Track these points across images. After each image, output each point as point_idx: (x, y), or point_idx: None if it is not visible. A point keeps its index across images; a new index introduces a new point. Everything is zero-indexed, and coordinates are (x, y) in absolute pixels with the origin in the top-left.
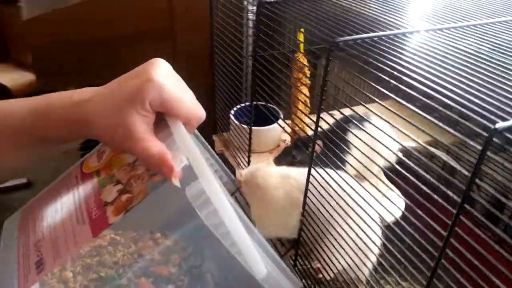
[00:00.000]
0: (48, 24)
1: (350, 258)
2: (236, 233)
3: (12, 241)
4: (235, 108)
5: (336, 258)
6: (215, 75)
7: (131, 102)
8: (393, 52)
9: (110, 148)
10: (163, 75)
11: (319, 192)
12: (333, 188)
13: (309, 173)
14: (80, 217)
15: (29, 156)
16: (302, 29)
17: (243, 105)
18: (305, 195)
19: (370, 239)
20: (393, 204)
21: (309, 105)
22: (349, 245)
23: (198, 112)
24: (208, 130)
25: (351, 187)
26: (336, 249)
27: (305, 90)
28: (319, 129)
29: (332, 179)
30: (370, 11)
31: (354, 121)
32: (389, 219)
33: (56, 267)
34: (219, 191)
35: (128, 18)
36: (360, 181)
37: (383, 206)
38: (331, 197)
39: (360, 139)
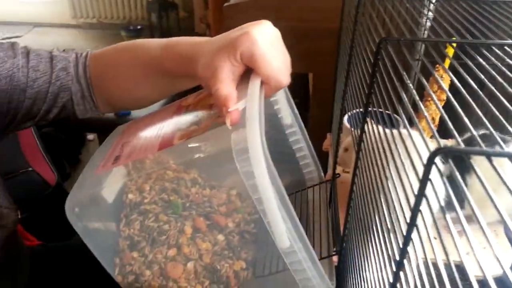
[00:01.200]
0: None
1: None
2: (262, 188)
3: (112, 139)
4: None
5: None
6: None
7: (227, 49)
8: None
9: (203, 86)
10: (261, 34)
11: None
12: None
13: (355, 166)
14: (158, 135)
15: (156, 87)
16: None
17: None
18: (352, 185)
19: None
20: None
21: (435, 123)
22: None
23: (279, 76)
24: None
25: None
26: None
27: (434, 106)
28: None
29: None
30: None
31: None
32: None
33: (123, 164)
34: (258, 143)
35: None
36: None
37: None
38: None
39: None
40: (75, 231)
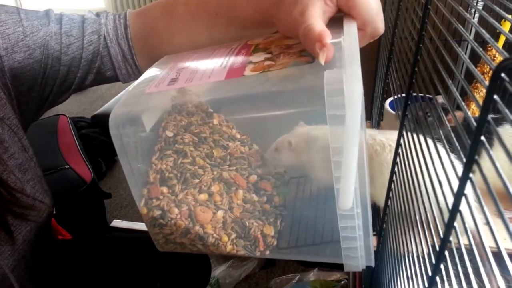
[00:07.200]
0: None
1: None
2: (349, 136)
3: (163, 64)
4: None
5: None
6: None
7: None
8: None
9: (282, 27)
10: None
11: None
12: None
13: (398, 141)
14: (224, 64)
15: (217, 40)
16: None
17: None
18: (393, 166)
19: None
20: None
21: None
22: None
23: (378, 22)
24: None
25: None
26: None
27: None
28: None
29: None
30: None
31: None
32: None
33: (183, 85)
34: (359, 86)
35: None
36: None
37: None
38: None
39: None
40: (106, 227)
